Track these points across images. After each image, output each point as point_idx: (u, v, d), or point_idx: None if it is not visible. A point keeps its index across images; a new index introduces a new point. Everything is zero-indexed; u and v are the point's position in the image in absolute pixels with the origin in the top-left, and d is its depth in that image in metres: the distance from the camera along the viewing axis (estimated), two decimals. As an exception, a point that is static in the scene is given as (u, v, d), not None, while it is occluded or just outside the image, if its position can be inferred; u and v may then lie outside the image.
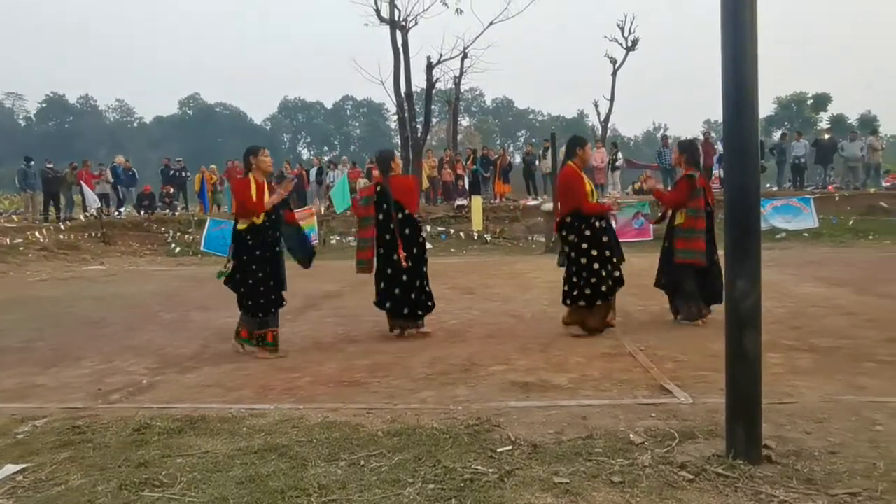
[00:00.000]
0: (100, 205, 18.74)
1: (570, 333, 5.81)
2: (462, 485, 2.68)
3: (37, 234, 16.59)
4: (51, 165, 18.89)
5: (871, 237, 15.46)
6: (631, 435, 3.21)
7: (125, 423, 3.69)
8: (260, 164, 5.47)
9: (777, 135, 27.28)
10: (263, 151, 5.54)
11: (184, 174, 22.10)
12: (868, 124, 42.85)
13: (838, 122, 47.65)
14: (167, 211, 20.83)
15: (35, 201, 18.98)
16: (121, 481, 2.86)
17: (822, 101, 55.45)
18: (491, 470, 2.82)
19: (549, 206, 15.69)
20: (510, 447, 3.10)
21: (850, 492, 2.52)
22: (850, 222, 16.52)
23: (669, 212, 6.31)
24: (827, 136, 21.04)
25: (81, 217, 19.34)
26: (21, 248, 15.65)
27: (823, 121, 52.82)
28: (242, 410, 3.89)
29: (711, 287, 5.93)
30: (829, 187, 19.23)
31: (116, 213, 20.03)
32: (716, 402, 3.53)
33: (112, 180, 20.07)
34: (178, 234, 18.52)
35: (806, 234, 16.08)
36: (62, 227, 17.69)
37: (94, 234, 17.68)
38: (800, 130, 24.90)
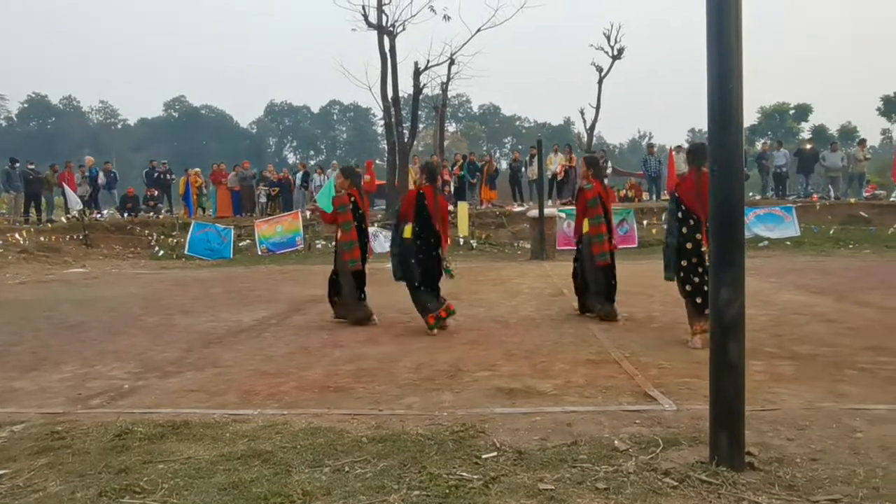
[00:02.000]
0: (82, 207, 18.54)
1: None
2: (447, 491, 2.67)
3: (17, 235, 16.36)
4: (32, 166, 18.67)
5: (851, 246, 15.69)
6: (615, 441, 3.22)
7: (105, 429, 3.63)
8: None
9: (759, 144, 27.66)
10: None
11: (168, 177, 21.92)
12: (848, 135, 43.51)
13: (820, 132, 48.40)
14: (151, 214, 20.64)
15: (19, 202, 18.75)
16: (101, 488, 2.82)
17: (803, 111, 56.31)
18: (476, 476, 2.81)
19: (534, 212, 15.74)
20: (495, 453, 3.10)
21: (831, 498, 2.54)
22: (831, 231, 16.78)
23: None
24: (809, 147, 21.35)
25: (63, 219, 19.12)
26: (0, 251, 15.43)
27: (805, 131, 53.66)
28: (226, 416, 3.85)
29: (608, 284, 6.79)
30: (814, 196, 19.49)
31: (98, 215, 19.82)
32: (699, 408, 3.56)
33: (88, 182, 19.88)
34: (162, 237, 18.35)
35: (788, 243, 16.29)
36: (42, 228, 17.47)
37: (75, 237, 17.48)
38: (780, 140, 25.19)
